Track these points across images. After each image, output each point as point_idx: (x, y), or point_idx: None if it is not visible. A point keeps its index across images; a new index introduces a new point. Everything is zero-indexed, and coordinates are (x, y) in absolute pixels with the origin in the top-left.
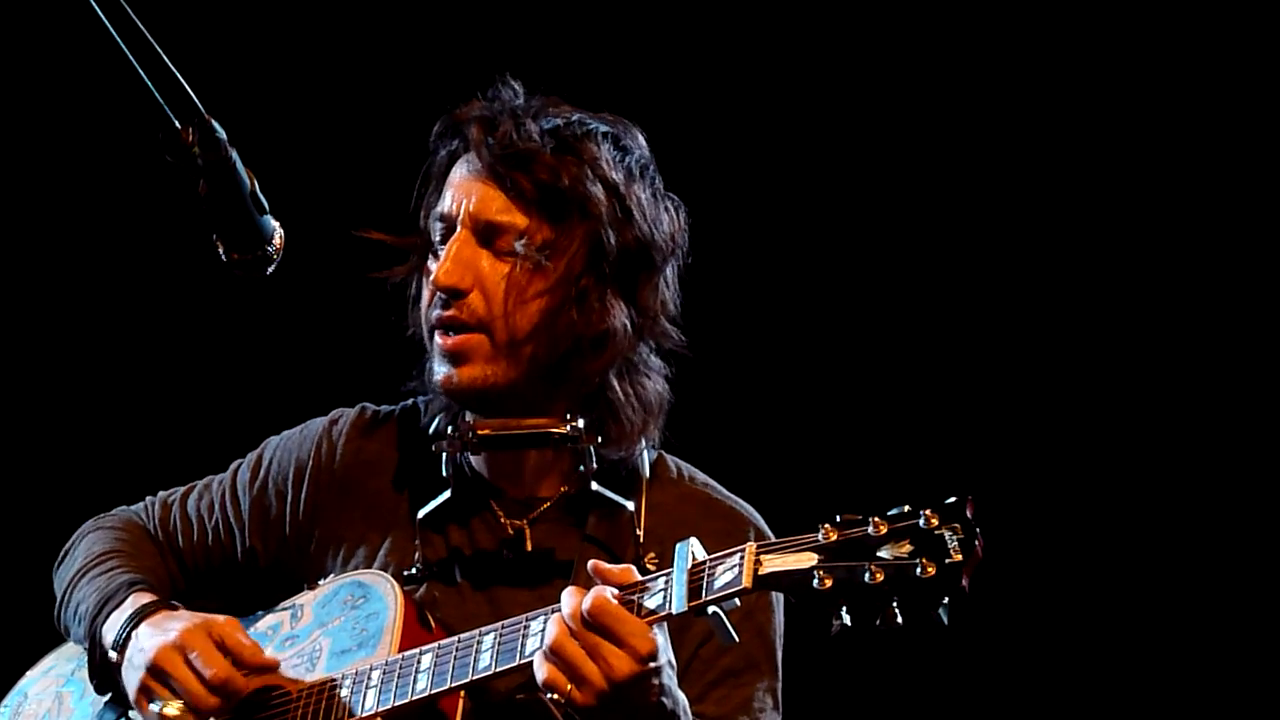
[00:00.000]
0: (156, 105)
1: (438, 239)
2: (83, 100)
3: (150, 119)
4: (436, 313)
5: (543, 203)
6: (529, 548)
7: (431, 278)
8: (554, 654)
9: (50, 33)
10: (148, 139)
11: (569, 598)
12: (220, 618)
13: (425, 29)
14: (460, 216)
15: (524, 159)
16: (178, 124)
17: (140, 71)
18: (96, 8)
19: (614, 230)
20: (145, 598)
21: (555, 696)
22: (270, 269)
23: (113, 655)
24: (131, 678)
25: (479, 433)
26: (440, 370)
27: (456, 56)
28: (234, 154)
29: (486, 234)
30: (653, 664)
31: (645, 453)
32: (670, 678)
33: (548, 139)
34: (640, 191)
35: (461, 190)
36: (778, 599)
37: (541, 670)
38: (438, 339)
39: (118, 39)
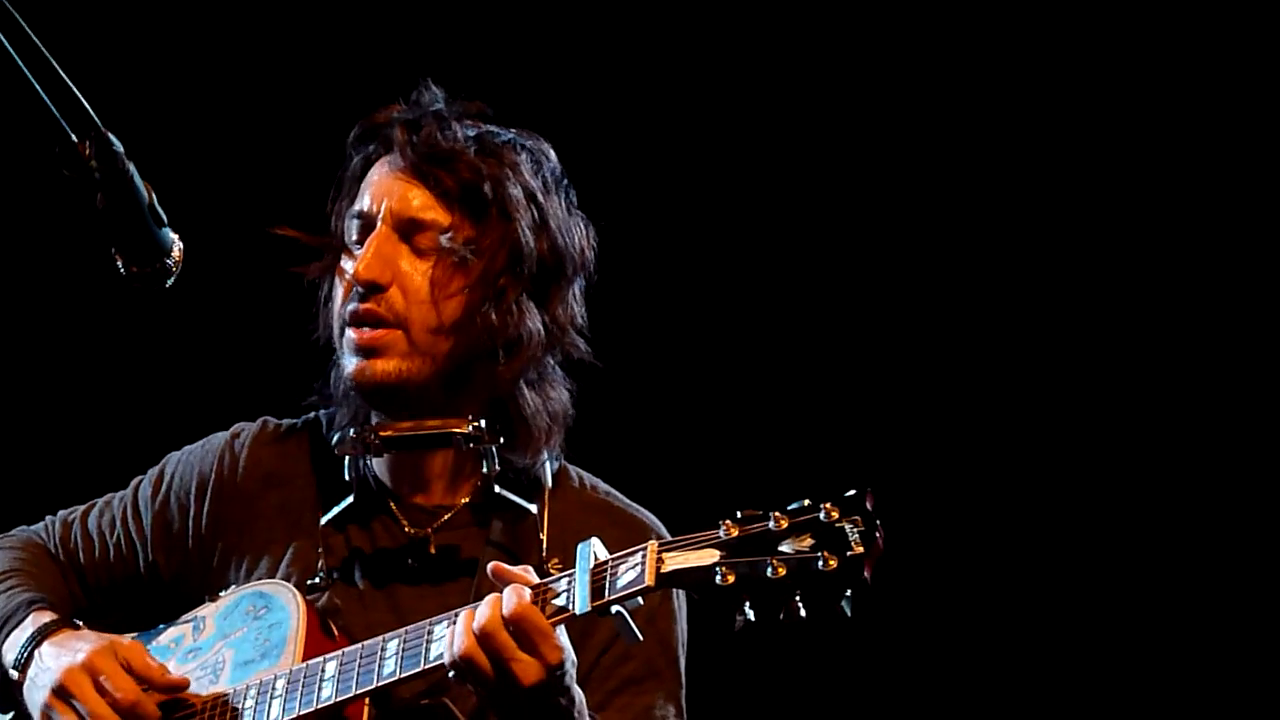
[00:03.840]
0: (52, 119)
1: (354, 238)
2: None
3: (46, 133)
4: (353, 306)
5: (465, 200)
6: (432, 552)
7: (350, 273)
8: (464, 661)
9: None
10: (44, 153)
11: (487, 605)
12: (125, 639)
13: (321, 37)
14: (381, 213)
15: (447, 158)
16: (74, 137)
17: (35, 85)
18: None
19: (532, 235)
20: (46, 616)
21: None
22: (169, 282)
23: (14, 674)
24: (35, 697)
25: (381, 434)
26: (351, 363)
27: (353, 65)
28: (131, 167)
29: (407, 230)
30: (558, 672)
31: (548, 462)
32: (571, 676)
33: (470, 141)
34: (556, 203)
35: (382, 188)
36: (680, 607)
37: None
38: (350, 333)
39: (11, 52)
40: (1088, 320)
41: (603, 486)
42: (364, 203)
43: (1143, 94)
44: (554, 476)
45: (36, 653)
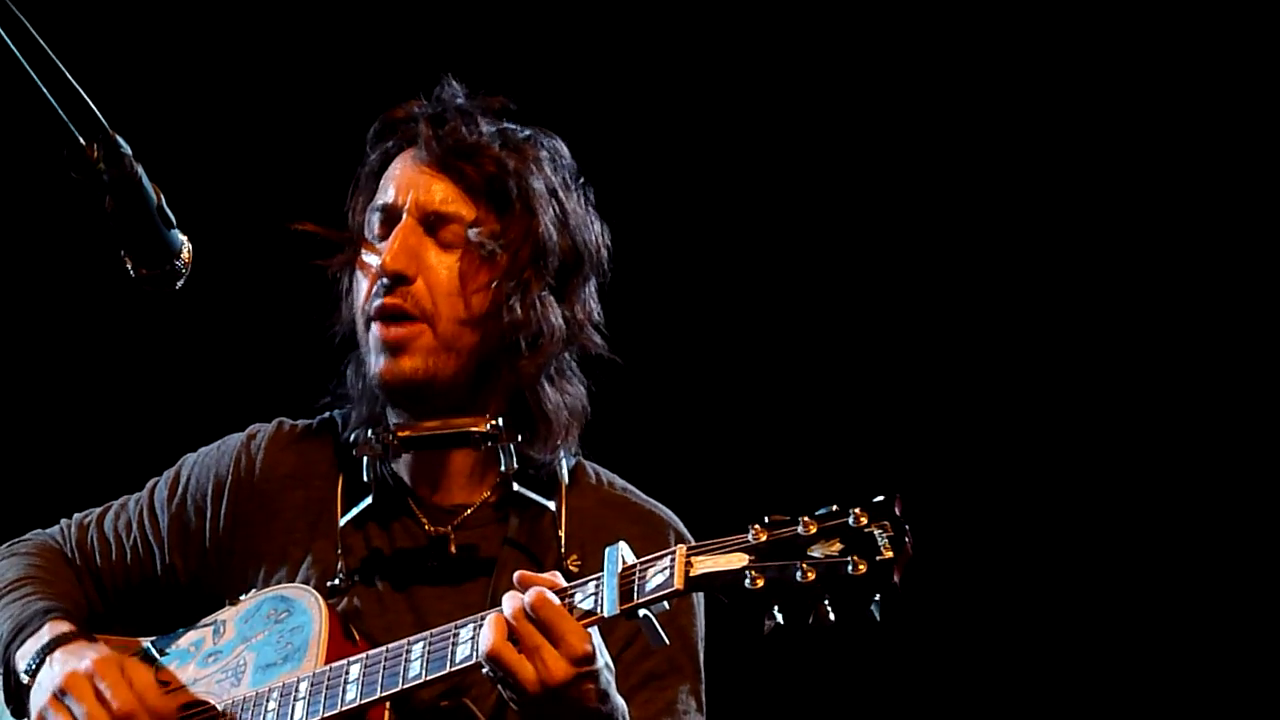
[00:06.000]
0: (60, 122)
1: (376, 232)
2: None
3: (54, 136)
4: (379, 301)
5: (490, 194)
6: (452, 551)
7: (375, 266)
8: (491, 659)
9: None
10: (52, 156)
11: (509, 599)
12: (134, 660)
13: (329, 36)
14: (406, 206)
15: (472, 152)
16: (82, 140)
17: (43, 89)
18: None
19: (555, 230)
20: (62, 626)
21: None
22: (179, 284)
23: (25, 680)
24: (37, 698)
25: (400, 435)
26: (379, 361)
27: (359, 64)
28: (140, 169)
29: (432, 223)
30: (588, 666)
31: (565, 459)
32: (609, 682)
33: (494, 136)
34: (575, 200)
35: (406, 181)
36: (699, 602)
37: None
38: (376, 329)
39: (19, 56)
40: (1126, 325)
41: (620, 483)
42: (387, 195)
43: (1143, 94)
44: (571, 473)
45: (49, 659)
